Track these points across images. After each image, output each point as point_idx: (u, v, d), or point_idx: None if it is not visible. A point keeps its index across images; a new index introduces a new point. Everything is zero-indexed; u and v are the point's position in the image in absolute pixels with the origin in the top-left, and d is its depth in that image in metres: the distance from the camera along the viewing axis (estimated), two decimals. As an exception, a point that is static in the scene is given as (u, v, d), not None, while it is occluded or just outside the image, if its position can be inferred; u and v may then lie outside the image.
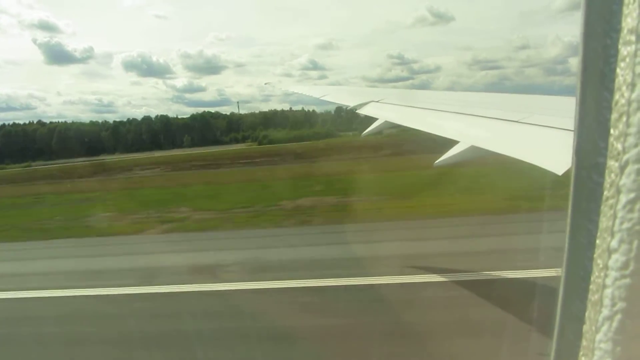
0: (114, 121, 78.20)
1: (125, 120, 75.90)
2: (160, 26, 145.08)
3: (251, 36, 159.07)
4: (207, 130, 70.77)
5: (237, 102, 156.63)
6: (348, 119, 58.71)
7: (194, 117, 75.70)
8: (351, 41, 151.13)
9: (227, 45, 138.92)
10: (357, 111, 7.16)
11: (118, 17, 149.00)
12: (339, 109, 60.88)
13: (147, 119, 74.75)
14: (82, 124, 74.45)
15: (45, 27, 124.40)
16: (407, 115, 5.99)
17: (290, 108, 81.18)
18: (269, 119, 73.04)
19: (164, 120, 74.31)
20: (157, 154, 52.67)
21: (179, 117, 77.86)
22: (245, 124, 72.77)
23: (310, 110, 74.43)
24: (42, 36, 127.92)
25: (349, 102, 7.71)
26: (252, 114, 78.69)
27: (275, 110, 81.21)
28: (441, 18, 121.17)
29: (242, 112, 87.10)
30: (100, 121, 77.92)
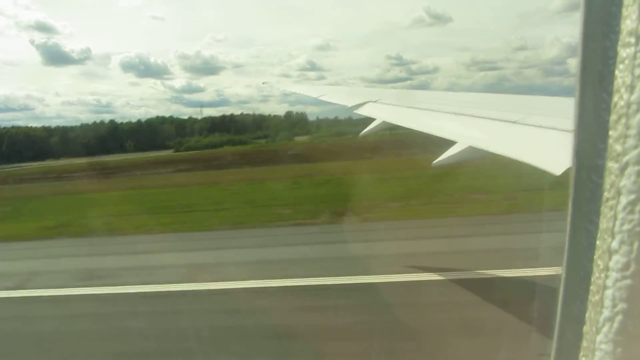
0: (64, 126, 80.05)
1: (78, 125, 78.31)
2: (157, 27, 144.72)
3: (249, 37, 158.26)
4: (154, 135, 72.21)
5: (200, 107, 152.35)
6: (291, 124, 60.03)
7: (140, 123, 78.25)
8: (349, 42, 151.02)
9: (224, 46, 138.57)
10: (354, 111, 7.15)
11: (115, 18, 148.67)
12: (289, 114, 62.11)
13: (97, 124, 77.03)
14: (34, 129, 75.40)
15: (43, 28, 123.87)
16: (404, 115, 5.98)
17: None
18: (217, 124, 74.20)
19: (112, 125, 76.11)
20: (82, 160, 50.77)
21: (130, 121, 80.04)
22: (195, 129, 73.80)
23: (261, 114, 76.23)
24: (40, 37, 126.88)
25: (346, 102, 7.65)
26: (204, 119, 79.80)
27: (224, 115, 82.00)
28: (439, 19, 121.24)
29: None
30: (53, 127, 78.91)
